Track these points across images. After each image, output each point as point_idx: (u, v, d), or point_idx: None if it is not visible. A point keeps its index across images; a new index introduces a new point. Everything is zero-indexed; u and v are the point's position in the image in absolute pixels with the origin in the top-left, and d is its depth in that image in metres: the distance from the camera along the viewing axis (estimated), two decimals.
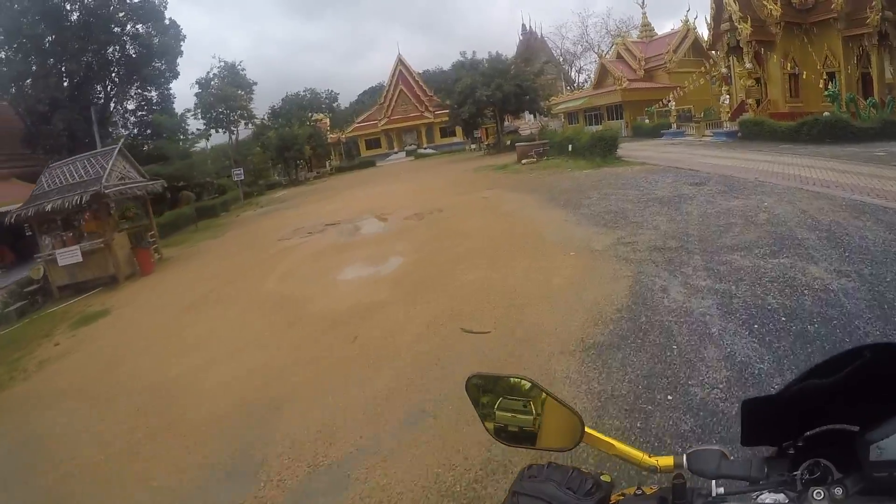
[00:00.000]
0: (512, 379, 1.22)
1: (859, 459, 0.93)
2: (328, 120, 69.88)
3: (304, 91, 65.79)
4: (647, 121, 44.68)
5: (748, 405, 1.13)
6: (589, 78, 60.98)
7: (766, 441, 1.17)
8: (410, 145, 68.86)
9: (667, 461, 1.13)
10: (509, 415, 1.21)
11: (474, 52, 49.09)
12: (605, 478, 1.10)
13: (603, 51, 59.17)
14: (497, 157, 41.65)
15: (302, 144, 54.09)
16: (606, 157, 27.64)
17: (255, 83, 54.86)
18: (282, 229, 24.04)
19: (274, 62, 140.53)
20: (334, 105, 67.55)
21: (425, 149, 66.60)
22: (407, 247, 15.65)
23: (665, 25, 53.05)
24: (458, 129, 55.78)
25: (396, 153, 68.24)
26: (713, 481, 1.08)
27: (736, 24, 32.23)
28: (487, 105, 46.50)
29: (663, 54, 49.05)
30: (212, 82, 49.62)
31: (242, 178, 43.11)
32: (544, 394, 1.18)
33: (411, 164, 56.78)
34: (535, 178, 26.42)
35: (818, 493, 0.94)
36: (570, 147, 32.11)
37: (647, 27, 56.27)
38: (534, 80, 47.56)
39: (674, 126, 39.82)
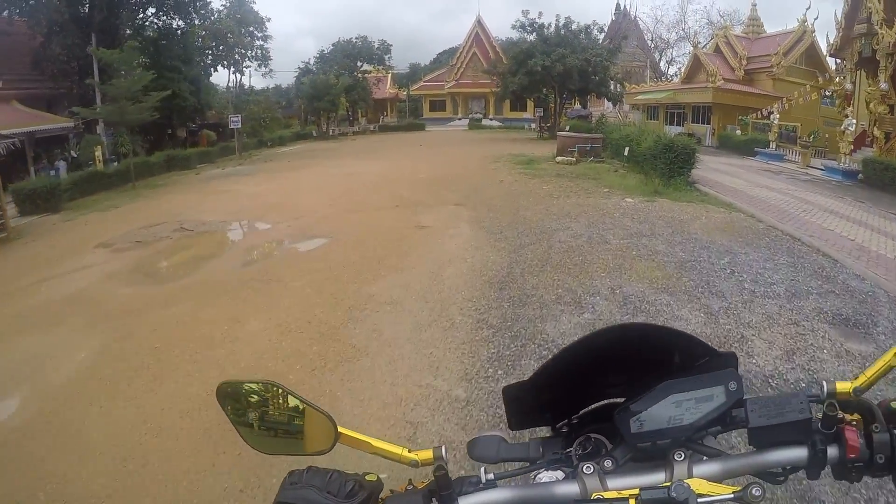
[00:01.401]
0: (262, 384, 1.04)
1: (622, 433, 0.93)
2: (389, 74, 59.52)
3: (356, 38, 53.59)
4: (738, 132, 32.06)
5: (508, 392, 1.08)
6: (680, 71, 47.58)
7: (534, 423, 1.13)
8: (476, 113, 57.87)
9: (426, 454, 1.00)
10: (263, 421, 1.04)
11: (540, 13, 37.25)
12: (371, 477, 0.97)
13: (699, 42, 45.31)
14: (545, 145, 30.54)
15: (336, 96, 44.03)
16: (673, 178, 16.22)
17: (269, 19, 43.96)
18: (149, 219, 15.81)
19: (365, 11, 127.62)
20: (386, 57, 55.97)
21: (491, 119, 55.76)
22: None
23: (773, 28, 38.47)
24: (531, 105, 45.55)
25: (459, 119, 57.72)
26: (482, 467, 1.00)
27: (876, 27, 20.01)
28: (545, 78, 34.86)
29: (770, 56, 35.71)
30: (212, 16, 39.16)
31: (240, 125, 33.90)
32: (295, 398, 1.02)
33: (457, 134, 45.90)
34: (547, 194, 15.37)
35: (587, 468, 0.91)
36: (626, 150, 20.69)
37: (754, 22, 41.84)
38: (606, 58, 35.51)
39: (772, 145, 27.33)
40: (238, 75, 40.22)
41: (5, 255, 13.56)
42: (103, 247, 12.98)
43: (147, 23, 34.86)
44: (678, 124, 36.90)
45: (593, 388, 1.06)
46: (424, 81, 61.76)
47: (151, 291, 9.47)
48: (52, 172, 26.71)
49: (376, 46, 51.95)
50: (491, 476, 0.97)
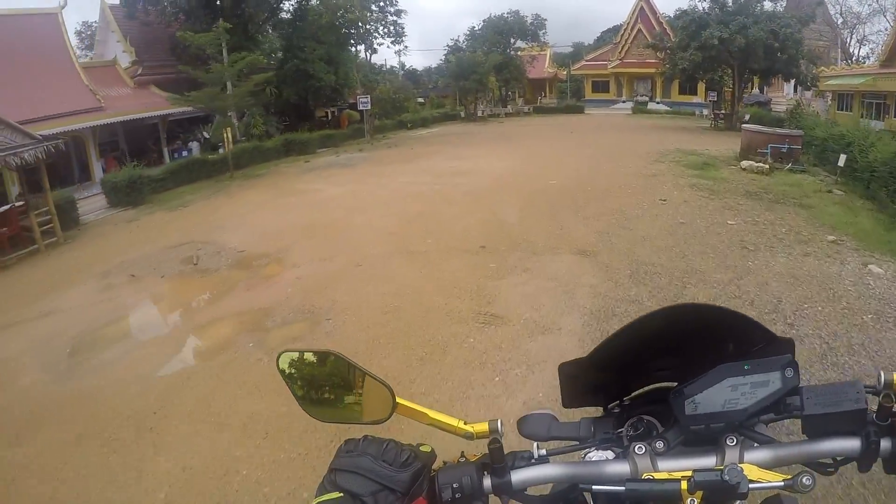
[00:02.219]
0: (321, 354, 1.01)
1: (676, 415, 0.89)
2: (547, 51, 51.05)
3: (507, 13, 44.81)
4: None
5: (564, 369, 1.03)
6: (874, 52, 36.61)
7: (588, 402, 1.08)
8: (642, 96, 48.64)
9: (482, 427, 0.96)
10: (323, 390, 1.02)
11: None
12: (425, 448, 0.93)
13: None
14: (721, 138, 22.99)
15: (484, 74, 37.03)
16: None
17: None
18: (185, 233, 12.32)
19: None
20: (540, 32, 45.61)
21: (658, 103, 46.33)
22: None
23: None
24: (702, 87, 37.15)
25: (623, 102, 48.77)
26: (535, 443, 0.97)
27: None
28: (721, 54, 26.92)
29: None
30: None
31: (368, 107, 28.52)
32: (354, 367, 0.99)
33: (618, 118, 37.68)
34: (735, 239, 8.90)
35: (639, 448, 0.87)
36: (841, 159, 13.46)
37: None
38: (798, 31, 26.58)
39: None
40: (369, 53, 34.42)
41: (18, 273, 10.93)
42: (100, 277, 9.84)
43: (278, 4, 31.42)
44: (877, 118, 27.44)
45: (646, 372, 1.00)
46: (586, 60, 53.61)
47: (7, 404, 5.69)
48: (185, 153, 25.69)
49: (529, 21, 44.27)
50: (543, 452, 0.94)
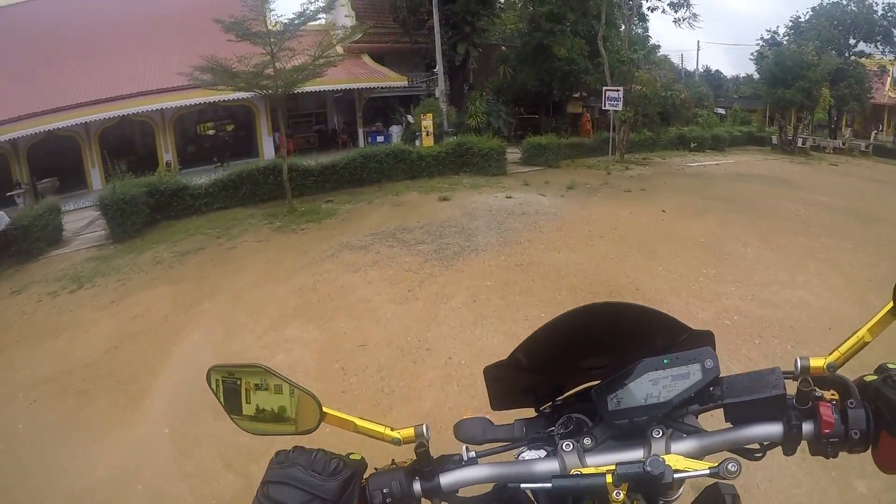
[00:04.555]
0: (250, 368, 0.95)
1: (600, 411, 0.87)
2: (893, 66, 30.62)
3: (847, 1, 27.65)
4: None
5: (489, 372, 1.01)
6: None
7: (519, 404, 1.06)
8: None
9: (408, 432, 0.92)
10: (252, 404, 0.96)
11: None
12: (356, 456, 0.90)
13: None
14: None
15: (815, 83, 21.72)
16: None
17: None
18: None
19: None
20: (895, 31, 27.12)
21: None
22: None
23: None
24: None
25: None
26: (464, 446, 0.94)
27: None
28: None
29: None
30: None
31: (619, 107, 15.78)
32: (280, 379, 0.94)
33: None
34: None
35: (567, 445, 0.84)
36: None
37: None
38: None
39: None
40: (629, 24, 20.12)
41: None
42: None
43: None
44: None
45: (576, 371, 0.98)
46: None
47: None
48: (379, 138, 20.52)
49: (879, 14, 26.93)
50: (472, 454, 0.90)
